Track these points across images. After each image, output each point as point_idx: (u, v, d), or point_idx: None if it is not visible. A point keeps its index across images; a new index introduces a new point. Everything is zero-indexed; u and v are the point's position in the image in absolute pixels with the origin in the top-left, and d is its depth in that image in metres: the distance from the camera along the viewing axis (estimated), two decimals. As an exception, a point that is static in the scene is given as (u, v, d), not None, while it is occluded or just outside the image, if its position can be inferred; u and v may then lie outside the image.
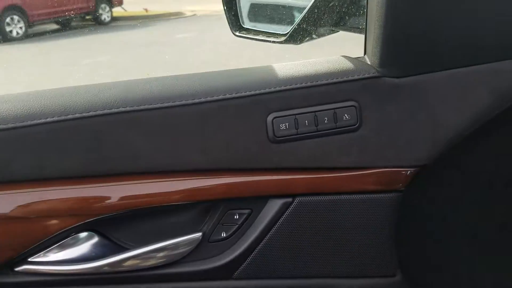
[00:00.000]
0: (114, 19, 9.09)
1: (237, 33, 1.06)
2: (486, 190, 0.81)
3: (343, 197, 0.76)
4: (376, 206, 0.77)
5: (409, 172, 0.75)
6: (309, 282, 0.79)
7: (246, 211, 0.76)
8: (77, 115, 0.69)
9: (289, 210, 0.75)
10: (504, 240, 0.83)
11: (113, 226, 0.75)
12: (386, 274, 0.81)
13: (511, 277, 0.86)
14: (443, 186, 0.80)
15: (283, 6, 1.07)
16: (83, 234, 0.75)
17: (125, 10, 9.66)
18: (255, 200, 0.76)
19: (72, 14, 8.49)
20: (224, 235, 0.77)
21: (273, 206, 0.76)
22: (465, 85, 0.72)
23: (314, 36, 0.99)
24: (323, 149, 0.74)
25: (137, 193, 0.73)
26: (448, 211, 0.82)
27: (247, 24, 1.07)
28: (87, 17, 9.02)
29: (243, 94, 0.71)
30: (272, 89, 0.72)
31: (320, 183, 0.75)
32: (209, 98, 0.71)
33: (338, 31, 0.98)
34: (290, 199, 0.76)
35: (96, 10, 8.75)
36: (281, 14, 1.07)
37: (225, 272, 0.77)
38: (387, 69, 0.71)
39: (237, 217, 0.76)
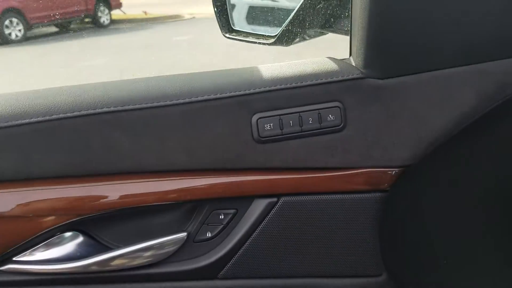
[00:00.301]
0: (113, 21, 9.09)
1: (227, 35, 1.07)
2: (471, 191, 0.81)
3: (328, 197, 0.76)
4: (361, 206, 0.77)
5: (394, 172, 0.75)
6: (294, 282, 0.80)
7: (231, 211, 0.77)
8: (61, 115, 0.70)
9: (274, 210, 0.76)
10: (489, 241, 0.83)
11: (98, 226, 0.76)
12: (371, 273, 0.81)
13: (496, 277, 0.86)
14: (428, 186, 0.80)
15: (272, 9, 1.08)
16: (68, 234, 0.75)
17: (124, 13, 9.67)
18: (240, 200, 0.76)
19: (71, 17, 8.50)
20: (209, 235, 0.77)
21: (258, 206, 0.76)
22: (449, 86, 0.72)
23: (302, 38, 1.00)
24: (308, 149, 0.74)
25: (122, 193, 0.74)
26: (433, 211, 0.82)
27: (237, 26, 1.08)
28: (86, 20, 9.03)
29: (227, 94, 0.72)
30: (257, 90, 0.72)
31: (305, 183, 0.76)
32: (193, 99, 0.71)
33: (327, 33, 0.99)
34: (275, 199, 0.76)
35: (95, 13, 8.76)
36: (270, 17, 1.08)
37: (210, 272, 0.77)
38: (371, 70, 0.72)
39: (222, 217, 0.77)
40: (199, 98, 0.71)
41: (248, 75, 0.76)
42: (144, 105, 0.71)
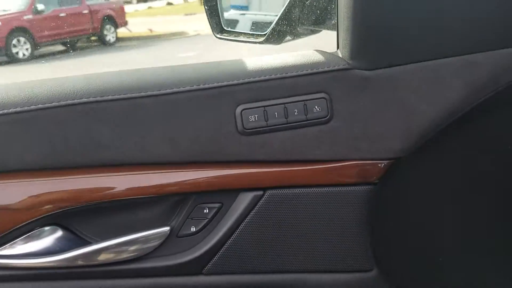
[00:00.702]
0: (119, 39, 9.20)
1: (218, 35, 1.07)
2: (462, 184, 0.79)
3: (315, 190, 0.75)
4: (349, 199, 0.75)
5: (383, 164, 0.74)
6: (281, 277, 0.78)
7: (216, 205, 0.75)
8: (40, 106, 0.69)
9: (260, 203, 0.74)
10: (483, 234, 0.82)
11: (79, 220, 0.74)
12: (361, 269, 0.79)
13: (491, 271, 0.84)
14: (419, 179, 0.79)
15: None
16: (47, 228, 0.74)
17: (130, 31, 9.79)
18: (225, 193, 0.75)
19: (78, 35, 8.61)
20: (194, 229, 0.76)
21: (244, 200, 0.74)
22: (438, 77, 0.71)
23: (293, 36, 0.99)
24: (294, 141, 0.73)
25: (103, 186, 0.72)
26: (424, 205, 0.80)
27: (228, 27, 1.08)
28: (93, 38, 9.15)
29: (211, 85, 0.71)
30: (241, 81, 0.71)
31: (291, 176, 0.74)
32: (175, 89, 0.70)
33: (320, 30, 0.98)
34: (260, 192, 0.74)
35: (101, 31, 8.88)
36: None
37: (194, 267, 0.75)
38: (357, 61, 0.71)
39: (207, 211, 0.75)
40: (182, 89, 0.70)
41: (233, 66, 0.75)
42: (125, 96, 0.70)
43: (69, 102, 0.69)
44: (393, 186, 0.77)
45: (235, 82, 0.71)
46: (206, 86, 0.71)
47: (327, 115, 0.72)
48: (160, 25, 10.20)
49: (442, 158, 0.79)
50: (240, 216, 0.74)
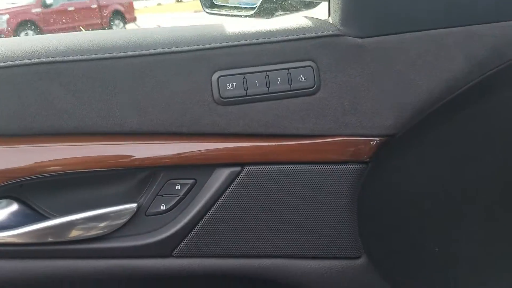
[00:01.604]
0: (127, 35, 9.20)
1: (208, 10, 1.05)
2: (462, 166, 0.73)
3: (298, 167, 0.68)
4: (337, 179, 0.68)
5: (374, 142, 0.67)
6: (259, 262, 0.71)
7: (189, 181, 0.69)
8: None
9: (237, 180, 0.68)
10: (477, 221, 0.75)
11: (35, 193, 0.68)
12: (349, 255, 0.72)
13: (483, 258, 0.78)
14: (413, 159, 0.72)
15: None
16: (0, 201, 0.67)
17: (139, 27, 9.79)
18: (199, 169, 0.68)
19: (86, 30, 8.63)
20: (164, 207, 0.69)
21: (219, 176, 0.68)
22: (437, 48, 0.65)
23: (285, 9, 0.96)
24: (276, 113, 0.66)
25: (61, 156, 0.66)
26: (419, 188, 0.73)
27: (218, 1, 1.05)
28: (101, 33, 9.16)
29: (184, 48, 0.64)
30: (218, 45, 0.65)
31: (272, 151, 0.68)
32: (144, 52, 0.64)
33: (315, 3, 0.94)
34: (238, 169, 0.68)
35: (109, 27, 8.87)
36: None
37: (163, 248, 0.69)
38: (349, 28, 0.65)
39: (179, 187, 0.69)
40: (152, 51, 0.64)
41: (210, 30, 0.68)
42: (87, 57, 0.63)
43: (25, 61, 0.63)
44: (385, 167, 0.71)
45: (212, 45, 0.65)
46: (179, 49, 0.64)
47: (314, 86, 0.66)
48: (169, 22, 10.17)
49: (441, 137, 0.72)
50: (215, 194, 0.68)
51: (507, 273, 0.82)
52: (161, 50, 0.64)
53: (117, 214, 0.67)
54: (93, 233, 0.67)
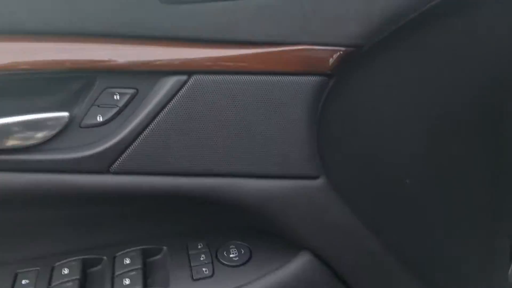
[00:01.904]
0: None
1: None
2: (430, 85, 0.68)
3: (252, 78, 0.61)
4: (295, 91, 0.62)
5: (339, 53, 0.61)
6: (208, 181, 0.65)
7: (130, 90, 0.61)
8: None
9: (183, 90, 0.60)
10: (446, 144, 0.72)
11: None
12: (307, 175, 0.67)
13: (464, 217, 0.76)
14: (381, 77, 0.66)
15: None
16: None
17: None
18: (140, 77, 0.61)
19: None
20: (100, 119, 0.61)
21: (164, 85, 0.60)
22: None
23: None
24: (229, 16, 0.59)
25: None
26: (385, 109, 0.68)
27: None
28: None
29: None
30: None
31: (223, 59, 0.60)
32: None
33: None
34: (185, 77, 0.60)
35: None
36: None
37: (99, 163, 0.62)
38: None
39: (117, 97, 0.61)
40: None
41: None
42: None
43: None
44: (350, 82, 0.65)
45: None
46: None
47: None
48: None
49: (411, 56, 0.66)
50: (158, 105, 0.61)
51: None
52: None
53: (46, 123, 0.59)
54: (19, 142, 0.59)
